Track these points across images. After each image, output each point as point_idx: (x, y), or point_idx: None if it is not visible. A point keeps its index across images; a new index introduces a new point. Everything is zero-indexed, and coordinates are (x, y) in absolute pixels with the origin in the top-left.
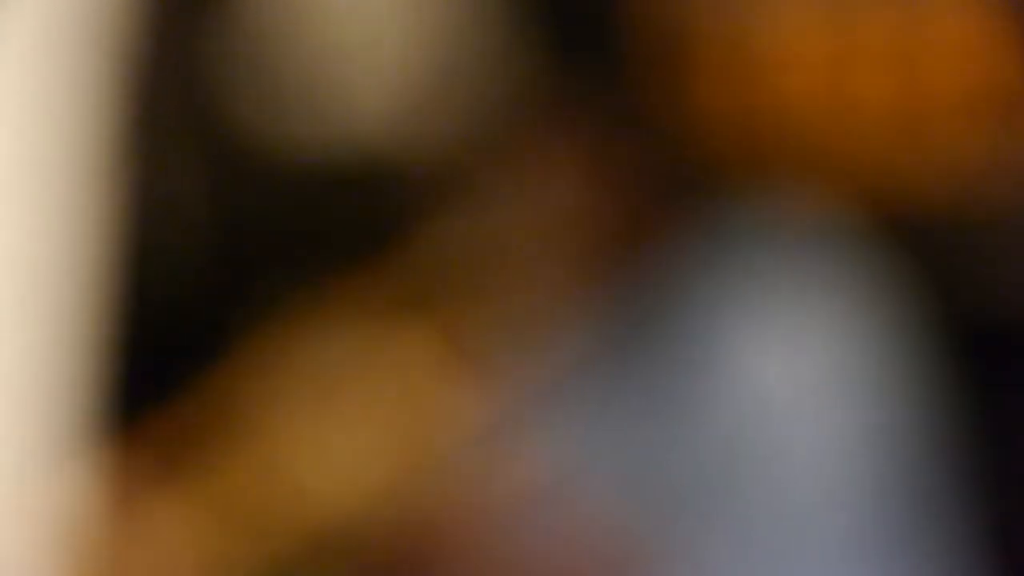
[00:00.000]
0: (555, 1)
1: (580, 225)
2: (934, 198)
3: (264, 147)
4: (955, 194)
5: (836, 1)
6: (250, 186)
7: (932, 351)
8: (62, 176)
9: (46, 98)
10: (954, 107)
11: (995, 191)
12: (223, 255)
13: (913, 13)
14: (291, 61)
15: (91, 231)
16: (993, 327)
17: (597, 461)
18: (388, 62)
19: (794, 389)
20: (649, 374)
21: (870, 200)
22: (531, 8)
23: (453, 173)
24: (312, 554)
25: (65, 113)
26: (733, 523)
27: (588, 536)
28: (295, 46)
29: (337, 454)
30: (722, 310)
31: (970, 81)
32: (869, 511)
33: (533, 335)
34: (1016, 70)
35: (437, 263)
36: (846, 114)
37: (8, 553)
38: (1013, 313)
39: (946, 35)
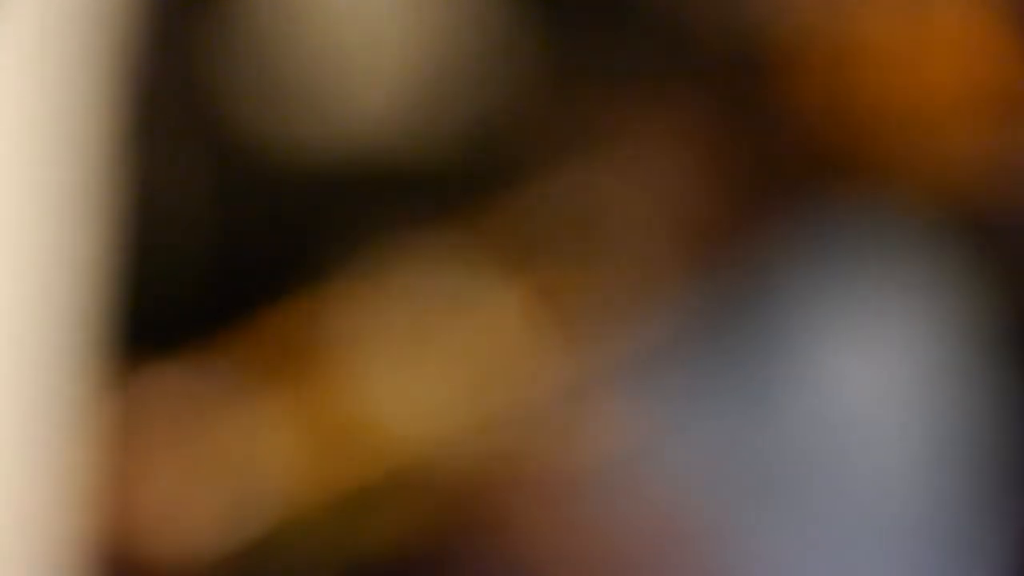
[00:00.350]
0: None
1: (682, 206)
2: (1013, 195)
3: (266, 147)
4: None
5: None
6: (255, 185)
7: (1008, 350)
8: (63, 175)
9: (46, 98)
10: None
11: None
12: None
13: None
14: (292, 61)
15: (92, 224)
16: None
17: (675, 437)
18: (389, 61)
19: (874, 386)
20: (734, 359)
21: (952, 196)
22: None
23: (550, 144)
24: (383, 489)
25: (66, 113)
26: (799, 514)
27: (655, 509)
28: (296, 46)
29: (420, 396)
30: (809, 303)
31: None
32: (937, 509)
33: (626, 307)
34: None
35: (541, 227)
36: (928, 107)
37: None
38: None
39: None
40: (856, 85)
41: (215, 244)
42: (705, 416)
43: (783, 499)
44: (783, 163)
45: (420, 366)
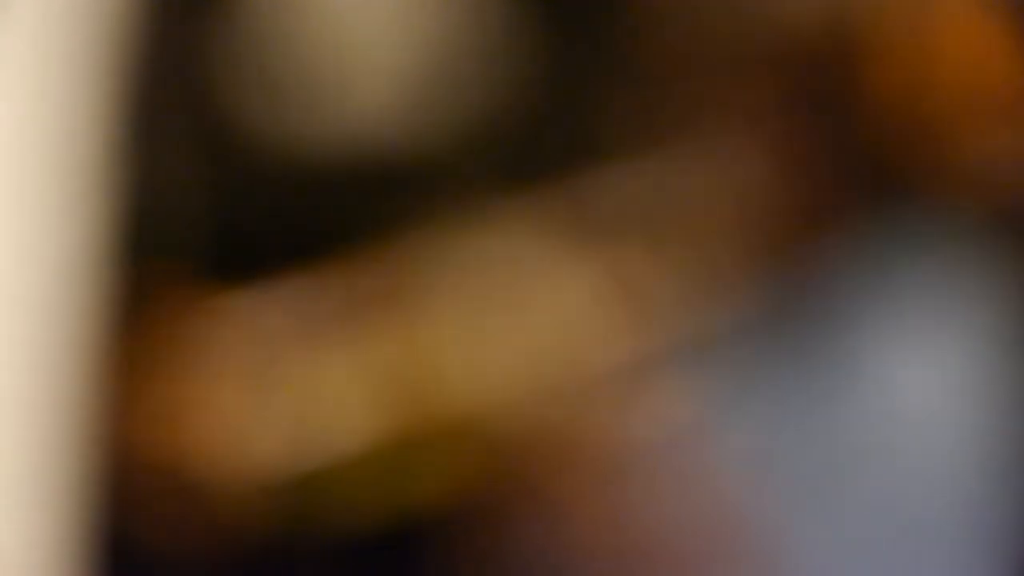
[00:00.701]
0: None
1: (754, 196)
2: None
3: (266, 143)
4: None
5: None
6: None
7: None
8: (62, 171)
9: (47, 96)
10: None
11: None
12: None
13: None
14: (292, 59)
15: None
16: None
17: (730, 424)
18: (388, 59)
19: (929, 386)
20: (794, 351)
21: (1004, 195)
22: None
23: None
24: (437, 440)
25: (66, 110)
26: (848, 508)
27: (703, 492)
28: (296, 44)
29: (483, 357)
30: (871, 300)
31: None
32: (986, 509)
33: (693, 292)
34: None
35: (617, 207)
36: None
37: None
38: None
39: None
40: (925, 80)
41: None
42: (761, 406)
43: (833, 492)
44: (854, 158)
45: (487, 329)
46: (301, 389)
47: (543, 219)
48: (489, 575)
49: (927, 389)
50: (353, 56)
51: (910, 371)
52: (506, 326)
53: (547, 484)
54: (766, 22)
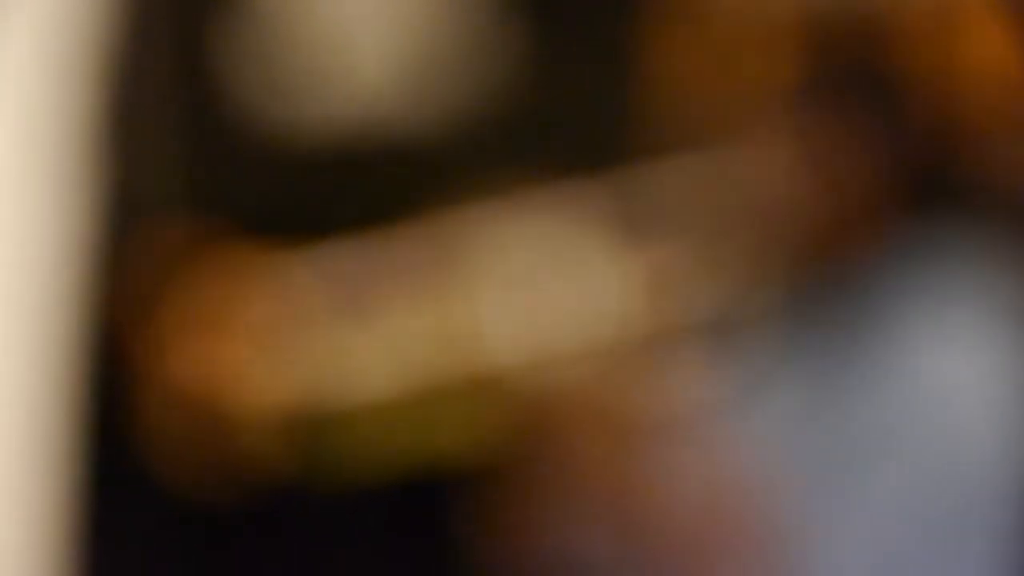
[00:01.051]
0: None
1: (795, 193)
2: None
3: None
4: None
5: None
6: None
7: None
8: (61, 162)
9: (50, 85)
10: None
11: None
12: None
13: None
14: (294, 46)
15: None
16: None
17: (755, 406)
18: (389, 44)
19: (959, 377)
20: (826, 343)
21: None
22: None
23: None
24: (463, 395)
25: (63, 103)
26: (869, 493)
27: (719, 468)
28: (298, 32)
29: (514, 320)
30: (904, 293)
31: None
32: (1010, 499)
33: (726, 278)
34: None
35: (660, 198)
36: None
37: None
38: None
39: None
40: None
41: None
42: (789, 393)
43: (855, 481)
44: (890, 153)
45: (519, 296)
46: (330, 339)
47: (580, 204)
48: (506, 531)
49: (956, 382)
50: (356, 41)
51: (939, 364)
52: (537, 295)
53: (566, 448)
54: (803, 15)
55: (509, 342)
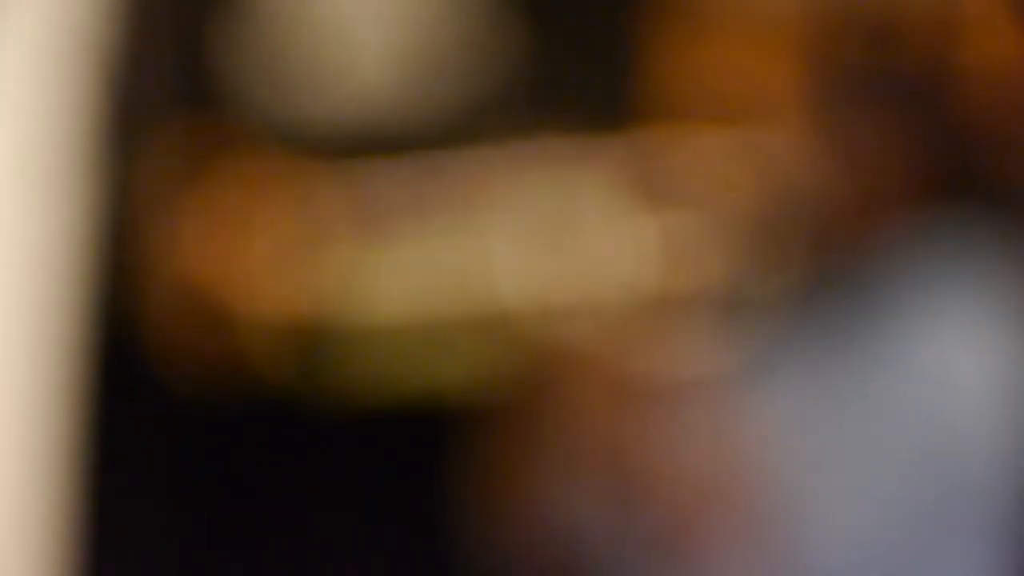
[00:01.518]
0: None
1: (817, 187)
2: None
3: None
4: None
5: None
6: None
7: None
8: (61, 157)
9: (50, 85)
10: None
11: None
12: None
13: None
14: (296, 43)
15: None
16: None
17: (761, 385)
18: (388, 41)
19: (966, 372)
20: (837, 325)
21: None
22: None
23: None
24: (471, 331)
25: (63, 103)
26: (869, 480)
27: (719, 441)
28: (300, 29)
29: (528, 266)
30: (916, 288)
31: None
32: (1012, 493)
33: (741, 253)
34: None
35: (676, 163)
36: None
37: None
38: None
39: None
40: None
41: None
42: (793, 369)
43: (859, 462)
44: (909, 143)
45: (535, 243)
46: (345, 259)
47: (602, 161)
48: (498, 476)
49: (959, 373)
50: (354, 35)
51: (944, 355)
52: (552, 246)
53: (565, 401)
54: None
55: (519, 288)
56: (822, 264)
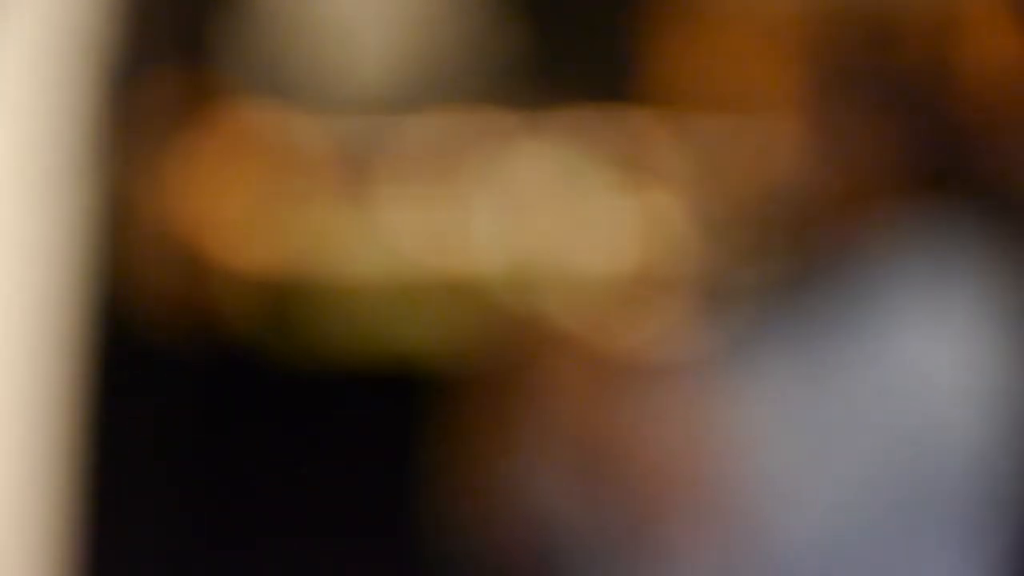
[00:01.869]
0: None
1: (805, 177)
2: None
3: None
4: None
5: None
6: None
7: None
8: (61, 155)
9: (49, 84)
10: None
11: None
12: None
13: None
14: (296, 42)
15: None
16: None
17: (736, 372)
18: (388, 40)
19: (943, 365)
20: (816, 316)
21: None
22: None
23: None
24: (445, 295)
25: (63, 102)
26: (845, 475)
27: (692, 424)
28: (301, 27)
29: (508, 235)
30: (895, 280)
31: None
32: (993, 485)
33: (722, 241)
34: None
35: (664, 146)
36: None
37: None
38: None
39: None
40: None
41: None
42: (772, 354)
43: (825, 446)
44: (904, 143)
45: (518, 215)
46: (325, 216)
47: (590, 137)
48: (467, 445)
49: (938, 365)
50: (354, 33)
51: (923, 347)
52: (533, 217)
53: (539, 374)
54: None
55: (497, 258)
56: (804, 254)
